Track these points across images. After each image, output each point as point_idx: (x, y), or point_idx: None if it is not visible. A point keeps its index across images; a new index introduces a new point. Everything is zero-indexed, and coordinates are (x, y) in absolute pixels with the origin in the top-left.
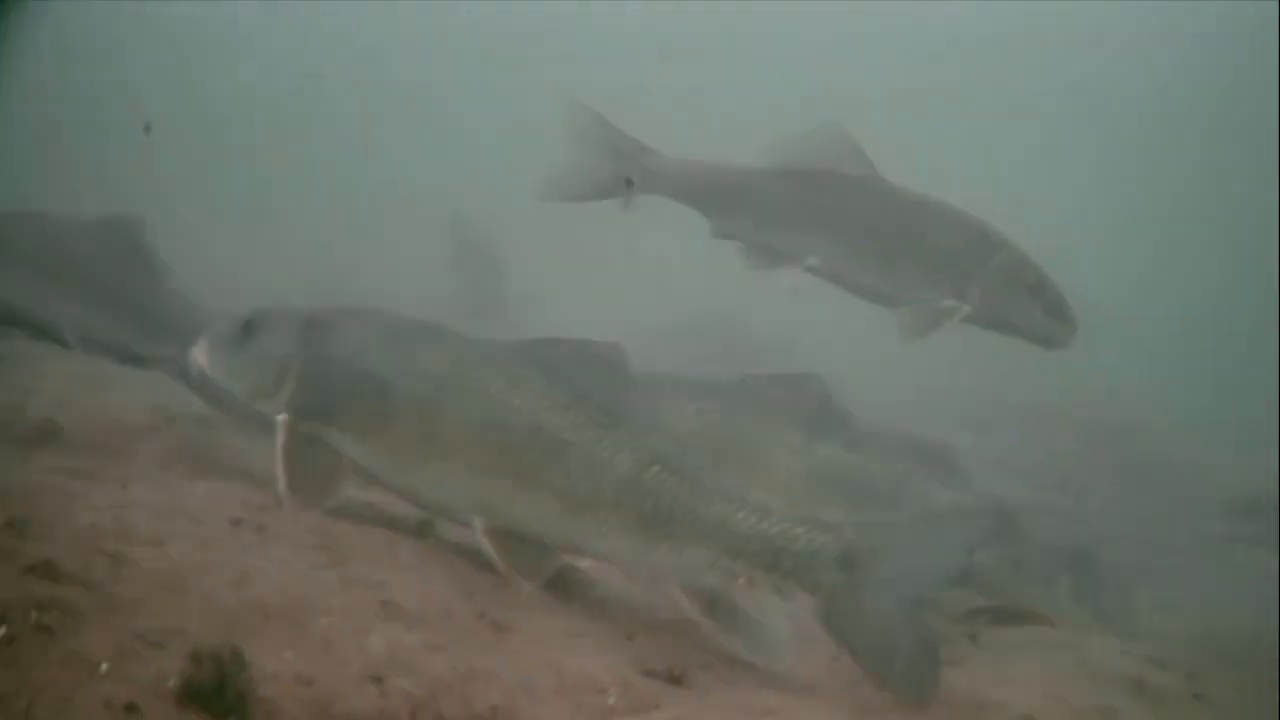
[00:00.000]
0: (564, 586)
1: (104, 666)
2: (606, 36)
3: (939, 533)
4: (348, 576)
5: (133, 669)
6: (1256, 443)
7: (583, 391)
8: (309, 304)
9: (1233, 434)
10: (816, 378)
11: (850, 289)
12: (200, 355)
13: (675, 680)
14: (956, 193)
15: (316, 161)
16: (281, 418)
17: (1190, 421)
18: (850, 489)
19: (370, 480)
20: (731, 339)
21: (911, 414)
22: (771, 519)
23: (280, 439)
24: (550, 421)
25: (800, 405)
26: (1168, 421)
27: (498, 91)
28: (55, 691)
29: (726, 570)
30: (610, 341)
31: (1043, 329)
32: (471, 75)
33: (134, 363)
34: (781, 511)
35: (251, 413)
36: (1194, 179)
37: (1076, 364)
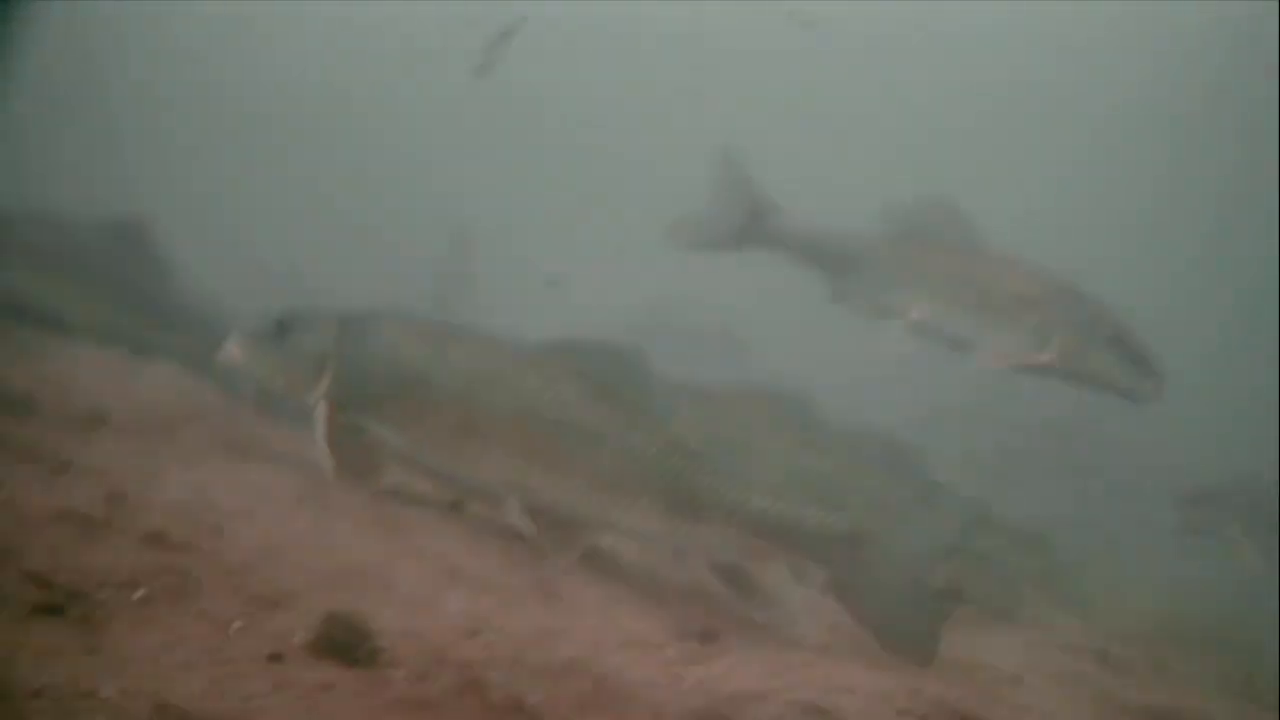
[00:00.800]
0: (592, 559)
1: (236, 624)
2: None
3: (933, 517)
4: (412, 548)
5: (261, 625)
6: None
7: (608, 385)
8: (339, 306)
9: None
10: (801, 392)
11: (946, 342)
12: (235, 351)
13: (709, 639)
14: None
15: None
16: (321, 408)
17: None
18: (830, 496)
19: (408, 464)
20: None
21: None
22: (786, 500)
23: (322, 428)
24: (581, 413)
25: (784, 415)
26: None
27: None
28: (202, 644)
29: (744, 546)
30: (631, 342)
31: (1126, 382)
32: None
33: (147, 352)
34: (796, 496)
35: (273, 403)
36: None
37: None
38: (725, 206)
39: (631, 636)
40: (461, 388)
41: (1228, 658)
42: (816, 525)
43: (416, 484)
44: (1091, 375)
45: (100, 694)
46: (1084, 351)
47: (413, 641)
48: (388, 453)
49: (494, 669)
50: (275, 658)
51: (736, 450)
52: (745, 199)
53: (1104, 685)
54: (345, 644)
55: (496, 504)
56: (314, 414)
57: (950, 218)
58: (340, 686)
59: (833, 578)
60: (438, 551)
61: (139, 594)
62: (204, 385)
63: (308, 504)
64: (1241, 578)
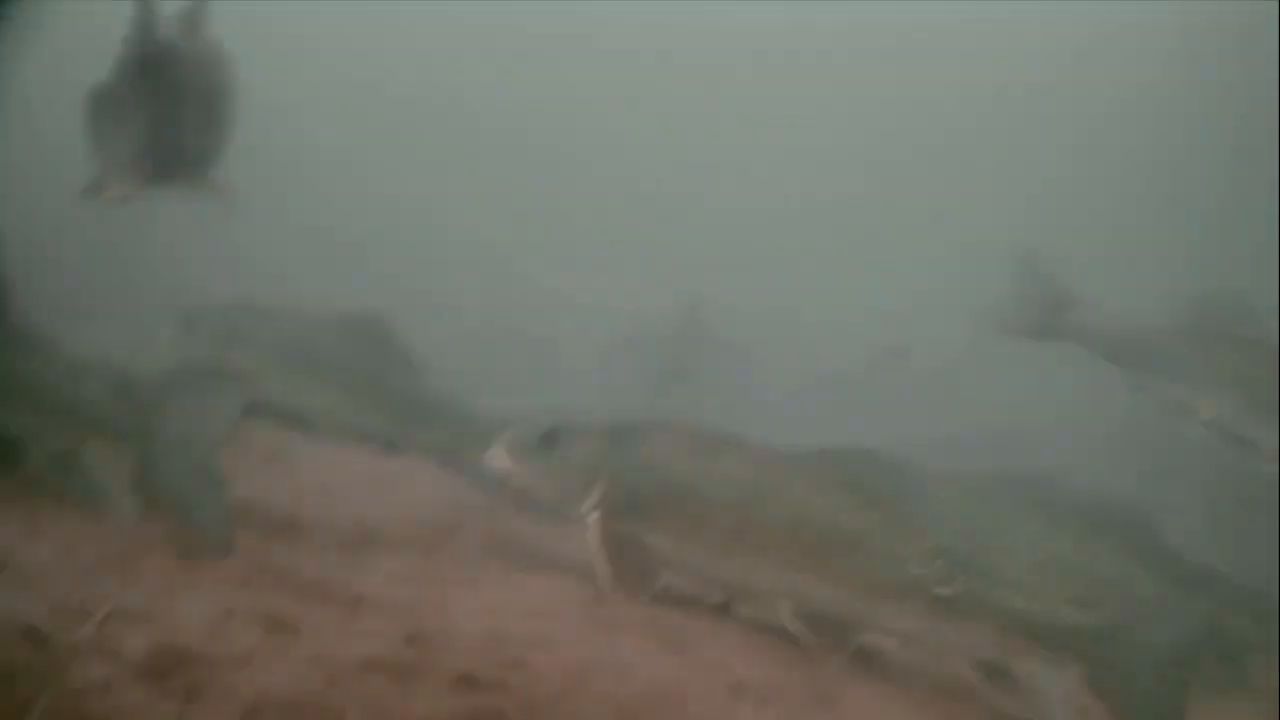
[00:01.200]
0: (858, 658)
1: None
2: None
3: (1176, 609)
4: (694, 661)
5: None
6: None
7: (873, 492)
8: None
9: None
10: (1048, 479)
11: (1234, 441)
12: (500, 459)
13: None
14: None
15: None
16: (594, 517)
17: None
18: (1082, 590)
19: (679, 570)
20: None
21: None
22: (1042, 599)
23: (597, 537)
24: (847, 519)
25: (1029, 500)
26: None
27: None
28: None
29: (1004, 645)
30: (893, 449)
31: None
32: None
33: (398, 450)
34: (1051, 593)
35: (539, 508)
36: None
37: None
38: (1027, 301)
39: None
40: (733, 496)
41: None
42: (1071, 623)
43: (685, 586)
44: None
45: None
46: None
47: None
48: (660, 560)
49: None
50: None
51: (991, 544)
52: (1047, 295)
53: None
54: None
55: (764, 605)
56: (587, 523)
57: (1241, 312)
58: None
59: (1088, 672)
60: (717, 661)
61: None
62: (461, 484)
63: (594, 622)
64: None
